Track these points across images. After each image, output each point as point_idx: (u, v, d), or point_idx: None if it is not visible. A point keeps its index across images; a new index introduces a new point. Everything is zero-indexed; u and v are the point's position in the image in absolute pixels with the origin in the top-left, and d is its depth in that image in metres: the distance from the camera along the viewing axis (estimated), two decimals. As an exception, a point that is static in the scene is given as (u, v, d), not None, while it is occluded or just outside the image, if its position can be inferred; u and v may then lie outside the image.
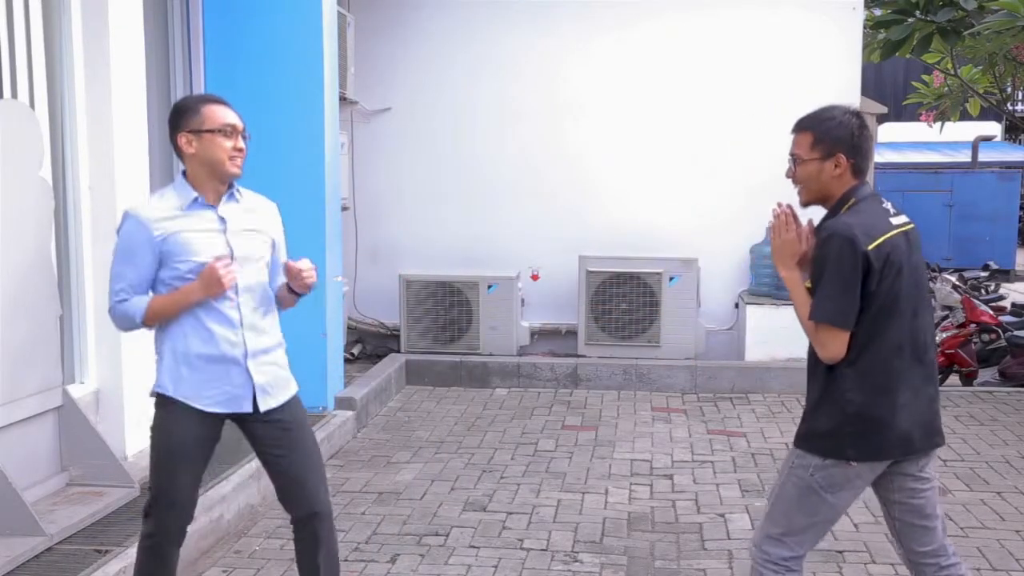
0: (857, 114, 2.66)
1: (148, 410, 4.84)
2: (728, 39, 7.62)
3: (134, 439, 4.75)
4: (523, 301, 7.76)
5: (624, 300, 7.42)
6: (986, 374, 8.23)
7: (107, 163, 4.56)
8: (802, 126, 2.68)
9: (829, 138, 2.61)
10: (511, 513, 4.59)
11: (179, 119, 2.85)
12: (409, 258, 7.86)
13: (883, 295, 2.55)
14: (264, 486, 4.69)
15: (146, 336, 4.81)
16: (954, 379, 8.19)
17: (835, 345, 2.56)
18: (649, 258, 7.42)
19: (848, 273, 2.52)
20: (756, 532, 2.83)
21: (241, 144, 2.85)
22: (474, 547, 4.16)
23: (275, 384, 2.95)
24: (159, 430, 2.90)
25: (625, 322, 7.43)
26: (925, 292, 2.73)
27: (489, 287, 7.49)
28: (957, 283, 9.60)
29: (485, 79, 7.81)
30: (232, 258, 2.83)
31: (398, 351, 7.57)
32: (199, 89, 5.55)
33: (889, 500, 2.76)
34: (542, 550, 4.15)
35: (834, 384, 2.61)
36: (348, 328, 7.56)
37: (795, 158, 2.68)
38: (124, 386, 4.66)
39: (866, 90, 8.12)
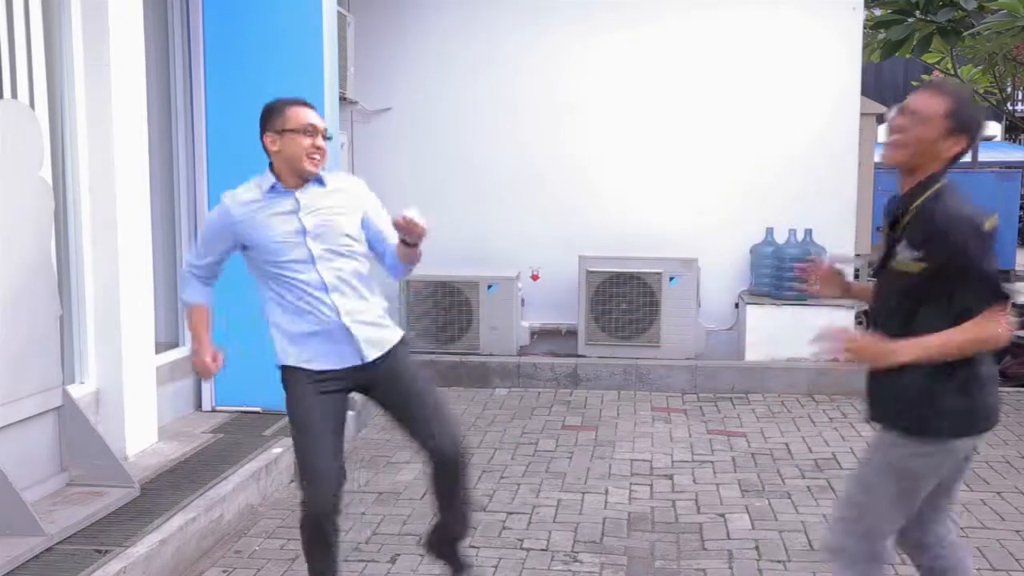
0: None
1: (148, 410, 4.88)
2: (728, 39, 7.62)
3: (134, 439, 4.76)
4: (523, 301, 7.76)
5: (624, 300, 7.42)
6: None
7: (107, 163, 4.56)
8: (942, 90, 2.57)
9: (964, 117, 2.54)
10: (511, 513, 4.59)
11: (265, 120, 3.09)
12: (409, 258, 7.85)
13: None
14: (264, 486, 4.69)
15: (147, 336, 4.84)
16: (954, 379, 8.18)
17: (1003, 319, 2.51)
18: (649, 258, 7.42)
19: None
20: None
21: (320, 143, 3.07)
22: (474, 547, 4.16)
23: (373, 337, 3.16)
24: (288, 401, 3.16)
25: (625, 322, 7.43)
26: None
27: (489, 287, 7.49)
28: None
29: (485, 79, 7.81)
30: (305, 234, 3.06)
31: (398, 351, 7.56)
32: (199, 89, 5.55)
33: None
34: (542, 550, 4.15)
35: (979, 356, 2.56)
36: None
37: (916, 115, 2.55)
38: (124, 386, 4.66)
39: (866, 90, 8.12)
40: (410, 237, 3.12)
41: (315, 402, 3.11)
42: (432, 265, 7.79)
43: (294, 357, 3.13)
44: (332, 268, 3.11)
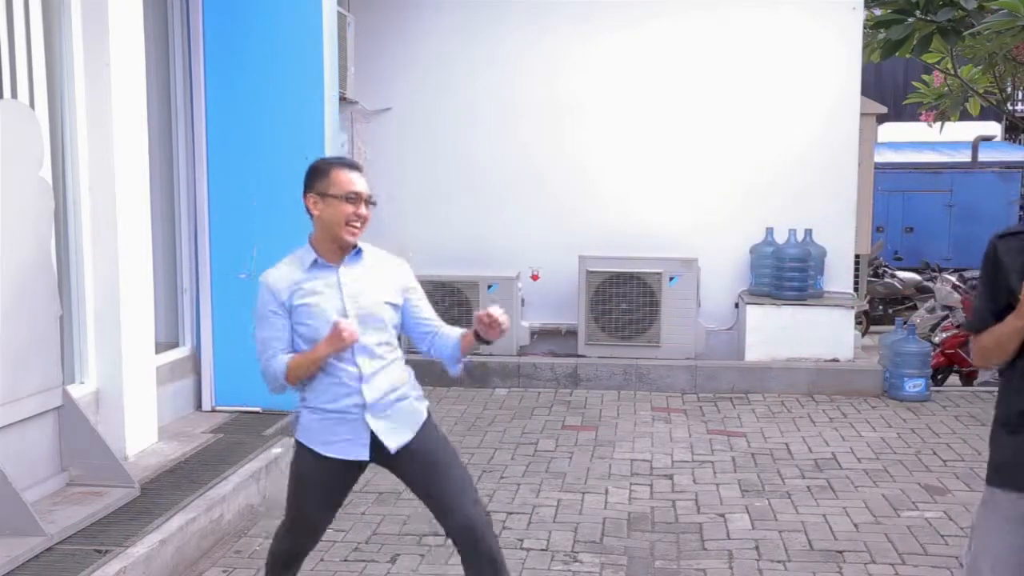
0: None
1: (148, 410, 4.88)
2: (728, 39, 7.62)
3: (134, 439, 4.76)
4: (523, 301, 7.76)
5: (624, 300, 7.42)
6: (986, 374, 8.22)
7: (107, 163, 4.55)
8: None
9: None
10: (511, 513, 4.60)
11: (310, 179, 2.96)
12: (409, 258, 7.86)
13: None
14: (264, 486, 4.69)
15: (147, 336, 4.84)
16: (954, 379, 8.19)
17: None
18: (649, 258, 7.42)
19: None
20: None
21: (363, 211, 2.93)
22: (474, 547, 4.16)
23: (395, 427, 3.00)
24: (292, 466, 3.12)
25: (625, 322, 7.44)
26: None
27: (489, 287, 7.49)
28: (957, 283, 9.59)
29: (485, 79, 7.81)
30: (347, 317, 2.92)
31: (398, 351, 7.56)
32: (199, 89, 5.55)
33: None
34: (542, 550, 4.15)
35: None
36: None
37: None
38: (124, 386, 4.65)
39: (866, 90, 8.12)
40: (488, 335, 2.94)
41: (320, 469, 3.02)
42: (432, 265, 7.86)
43: (311, 439, 3.02)
44: (368, 354, 2.96)
